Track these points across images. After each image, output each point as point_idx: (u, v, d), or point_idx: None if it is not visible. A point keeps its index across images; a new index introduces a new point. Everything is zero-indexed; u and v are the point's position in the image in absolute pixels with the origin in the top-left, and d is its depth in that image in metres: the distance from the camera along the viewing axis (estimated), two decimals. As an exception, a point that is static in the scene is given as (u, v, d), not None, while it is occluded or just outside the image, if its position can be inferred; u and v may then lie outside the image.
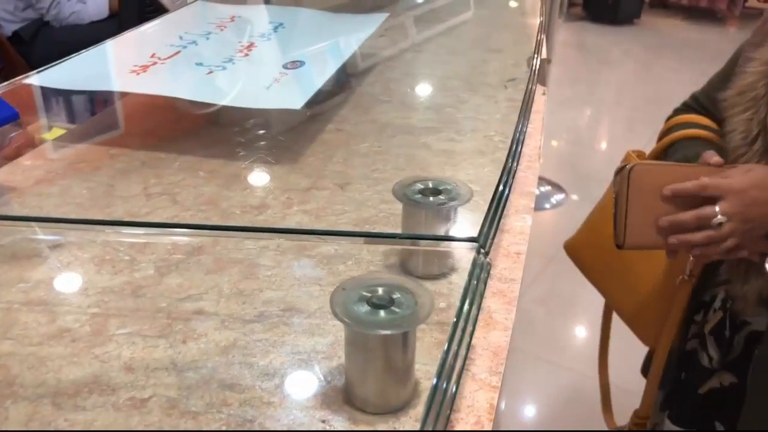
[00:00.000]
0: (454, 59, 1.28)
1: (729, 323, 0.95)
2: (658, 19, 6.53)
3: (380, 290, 0.52)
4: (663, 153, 1.06)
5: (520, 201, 0.84)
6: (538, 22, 1.32)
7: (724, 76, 1.03)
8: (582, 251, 1.15)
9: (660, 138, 1.09)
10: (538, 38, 1.32)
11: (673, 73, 5.18)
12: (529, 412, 1.95)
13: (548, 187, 3.35)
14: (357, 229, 0.77)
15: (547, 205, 3.24)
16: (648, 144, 1.13)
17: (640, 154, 1.09)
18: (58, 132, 0.97)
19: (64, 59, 0.95)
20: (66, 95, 0.95)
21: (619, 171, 0.87)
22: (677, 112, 1.12)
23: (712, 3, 6.26)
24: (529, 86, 1.01)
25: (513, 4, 1.88)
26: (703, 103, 1.09)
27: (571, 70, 5.08)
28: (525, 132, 0.85)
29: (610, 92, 5.08)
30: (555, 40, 3.60)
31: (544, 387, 2.03)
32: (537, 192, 3.28)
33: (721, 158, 0.89)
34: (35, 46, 3.12)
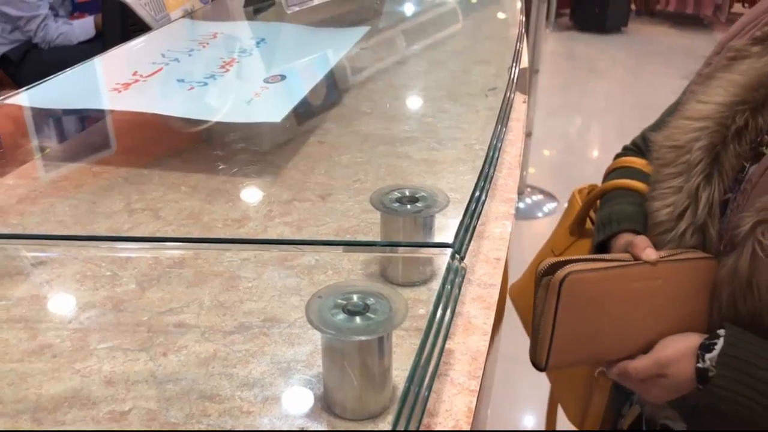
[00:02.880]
0: (436, 70, 1.30)
1: (645, 420, 0.93)
2: (645, 27, 6.59)
3: (355, 297, 0.52)
4: (600, 198, 1.04)
5: (500, 207, 0.85)
6: (517, 31, 1.33)
7: (661, 120, 1.02)
8: (522, 298, 1.11)
9: (605, 176, 1.08)
10: (517, 47, 1.33)
11: (661, 79, 5.22)
12: (526, 420, 1.95)
13: (540, 196, 3.36)
14: (337, 239, 0.77)
15: (540, 214, 3.25)
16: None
17: (591, 188, 1.08)
18: (41, 150, 0.97)
19: (47, 78, 0.95)
20: (49, 114, 0.95)
21: (542, 275, 0.76)
22: (624, 151, 1.11)
23: (698, 9, 6.32)
24: (507, 94, 1.02)
25: (500, 16, 1.90)
26: (641, 147, 1.08)
27: (560, 79, 5.12)
28: (503, 139, 0.86)
29: (600, 100, 5.11)
30: (543, 49, 3.63)
31: (537, 395, 2.03)
32: (529, 201, 3.30)
33: (654, 251, 0.83)
34: (24, 68, 3.13)
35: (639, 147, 1.10)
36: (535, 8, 3.21)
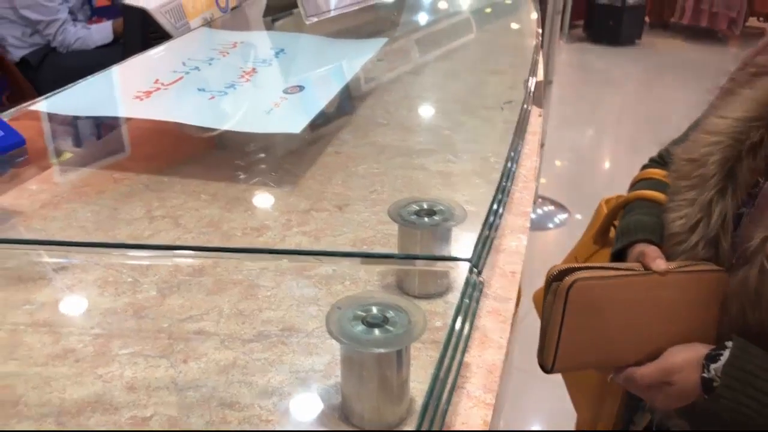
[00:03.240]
0: (452, 82, 1.30)
1: (655, 427, 0.93)
2: (659, 40, 6.59)
3: (374, 309, 0.53)
4: (624, 207, 1.05)
5: (515, 221, 0.85)
6: (534, 43, 1.34)
7: (684, 135, 1.03)
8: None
9: (630, 187, 1.10)
10: (534, 60, 1.34)
11: (674, 93, 5.21)
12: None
13: (551, 207, 3.36)
14: (355, 250, 0.78)
15: (551, 225, 3.25)
16: None
17: (618, 198, 1.09)
18: (63, 156, 0.99)
19: (69, 85, 0.97)
20: (71, 120, 0.97)
21: (552, 281, 0.78)
22: (650, 162, 1.12)
23: (713, 23, 6.31)
24: (524, 107, 1.03)
25: (515, 26, 1.90)
26: (665, 159, 1.10)
27: (572, 90, 5.12)
28: (519, 152, 0.87)
29: (612, 112, 5.10)
30: (556, 60, 3.64)
31: (548, 406, 2.03)
32: (540, 212, 3.30)
33: (665, 262, 0.85)
34: (42, 72, 3.17)
35: (663, 159, 1.11)
36: (549, 19, 3.22)
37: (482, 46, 1.62)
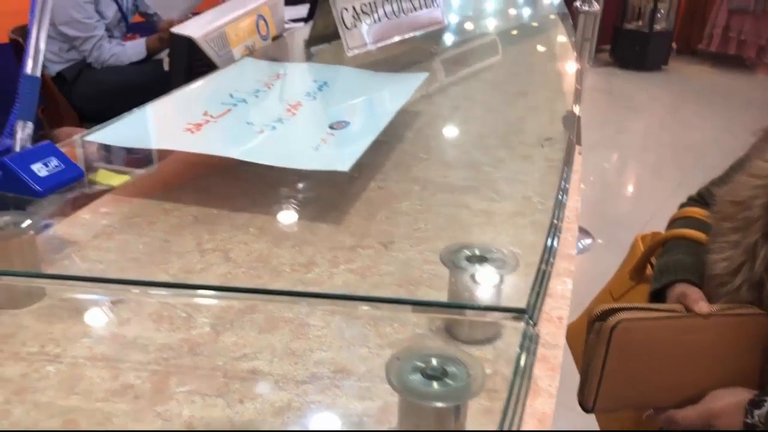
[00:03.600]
0: (491, 117, 1.32)
1: None
2: (686, 66, 6.56)
3: (434, 361, 0.54)
4: (662, 245, 1.05)
5: (560, 264, 0.86)
6: (572, 74, 1.35)
7: (727, 175, 1.03)
8: (577, 340, 1.13)
9: (669, 224, 1.10)
10: (576, 92, 1.35)
11: (700, 120, 5.19)
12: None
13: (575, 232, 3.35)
14: (402, 290, 0.79)
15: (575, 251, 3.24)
16: (676, 190, 1.15)
17: (654, 235, 1.10)
18: (115, 186, 1.01)
19: (122, 116, 0.99)
20: (123, 150, 0.99)
21: (594, 321, 0.79)
22: (689, 201, 1.12)
23: (741, 50, 6.28)
24: (569, 147, 1.04)
25: (550, 60, 1.92)
26: (705, 198, 1.10)
27: (597, 114, 5.11)
28: (566, 197, 0.88)
29: (638, 137, 5.09)
30: (583, 85, 3.65)
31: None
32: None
33: (707, 305, 0.85)
34: (77, 87, 3.23)
35: (703, 198, 1.11)
36: (578, 46, 3.23)
37: (521, 79, 1.64)
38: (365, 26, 1.36)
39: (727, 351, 0.85)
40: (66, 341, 0.68)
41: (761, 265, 0.88)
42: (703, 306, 0.84)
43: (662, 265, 1.03)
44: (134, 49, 3.26)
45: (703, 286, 0.95)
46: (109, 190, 0.98)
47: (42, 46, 0.76)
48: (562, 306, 0.79)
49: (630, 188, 4.31)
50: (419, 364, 0.54)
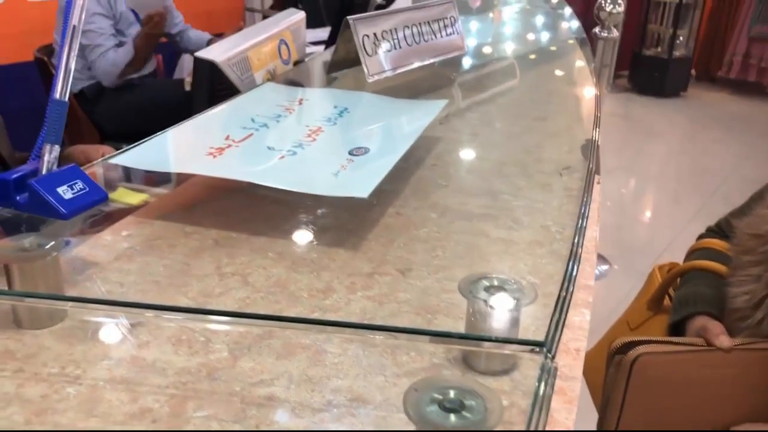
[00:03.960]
0: (510, 144, 1.32)
1: None
2: (705, 92, 6.55)
3: (452, 393, 0.54)
4: (681, 276, 1.05)
5: (578, 295, 0.86)
6: (594, 115, 1.35)
7: (747, 207, 1.03)
8: (591, 369, 1.12)
9: (687, 255, 1.10)
10: (596, 118, 1.36)
11: (720, 147, 5.16)
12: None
13: (592, 259, 3.33)
14: (419, 318, 0.79)
15: (591, 278, 3.22)
16: (694, 218, 1.15)
17: (672, 266, 1.09)
18: (137, 208, 1.02)
19: (145, 140, 1.01)
20: (145, 173, 1.01)
21: (614, 354, 0.80)
22: (707, 232, 1.12)
23: (761, 77, 6.25)
24: (588, 176, 1.04)
25: (569, 86, 1.93)
26: (724, 229, 1.10)
27: (615, 139, 5.10)
28: (585, 227, 0.88)
29: (656, 163, 5.07)
30: (601, 110, 3.65)
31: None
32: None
33: (728, 339, 0.85)
34: (99, 105, 3.28)
35: (722, 230, 1.11)
36: (596, 72, 3.24)
37: (539, 104, 1.64)
38: (386, 52, 1.38)
39: (750, 386, 0.85)
40: (86, 363, 0.69)
41: None
42: (724, 340, 0.83)
43: (681, 297, 1.02)
44: (124, 50, 3.25)
45: (723, 319, 0.94)
46: (131, 211, 0.99)
47: (71, 71, 0.78)
48: (579, 337, 0.78)
49: (648, 214, 4.29)
50: (437, 395, 0.54)
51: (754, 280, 0.91)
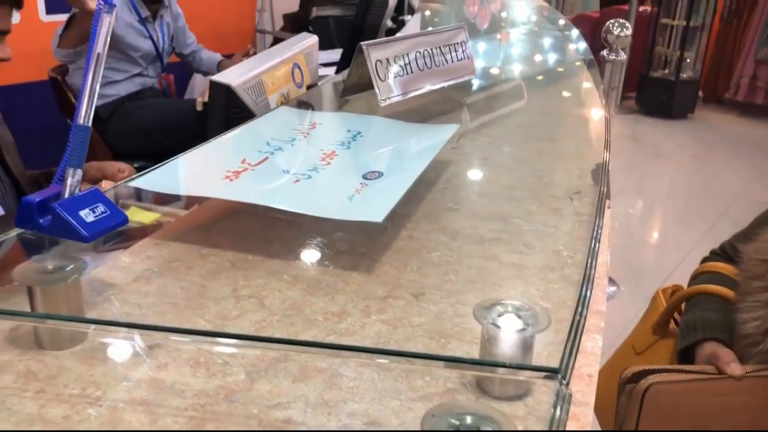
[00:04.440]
0: (520, 168, 1.34)
1: None
2: (713, 114, 6.56)
3: (468, 419, 0.55)
4: (686, 300, 1.05)
5: (590, 320, 0.86)
6: (604, 139, 1.37)
7: (751, 230, 1.04)
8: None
9: (691, 279, 1.10)
10: (606, 142, 1.37)
11: (727, 168, 5.16)
12: None
13: (600, 281, 3.33)
14: (433, 342, 0.80)
15: (599, 299, 3.22)
16: (702, 240, 1.16)
17: (675, 288, 1.10)
18: (147, 218, 1.04)
19: (162, 163, 1.03)
20: (163, 196, 1.02)
21: (626, 383, 0.80)
22: (711, 255, 1.13)
23: (768, 100, 6.27)
24: (600, 201, 1.05)
25: (578, 109, 1.95)
26: (729, 253, 1.10)
27: (622, 161, 5.12)
28: (597, 251, 0.89)
29: (663, 185, 5.07)
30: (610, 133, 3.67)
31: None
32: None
33: (740, 366, 0.85)
34: (111, 124, 3.32)
35: (727, 253, 1.11)
36: (604, 94, 3.26)
37: (549, 127, 1.66)
38: (398, 77, 1.40)
39: (763, 412, 0.85)
40: (106, 384, 0.70)
41: None
42: (735, 368, 0.84)
43: (689, 322, 1.03)
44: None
45: (733, 345, 0.95)
46: (148, 233, 1.01)
47: (95, 97, 0.80)
48: (591, 363, 0.79)
49: (655, 236, 4.28)
50: (453, 421, 0.55)
51: (764, 306, 0.92)
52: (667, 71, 6.35)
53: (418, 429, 0.56)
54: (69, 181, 0.80)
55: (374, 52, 1.36)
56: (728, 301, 1.02)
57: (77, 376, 0.71)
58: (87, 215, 0.78)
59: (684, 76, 6.22)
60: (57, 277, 0.74)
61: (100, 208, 0.80)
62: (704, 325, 1.00)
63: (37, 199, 0.78)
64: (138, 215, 1.05)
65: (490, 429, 0.54)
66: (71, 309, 0.76)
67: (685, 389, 0.81)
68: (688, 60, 6.25)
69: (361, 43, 1.35)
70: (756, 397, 0.85)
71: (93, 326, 0.76)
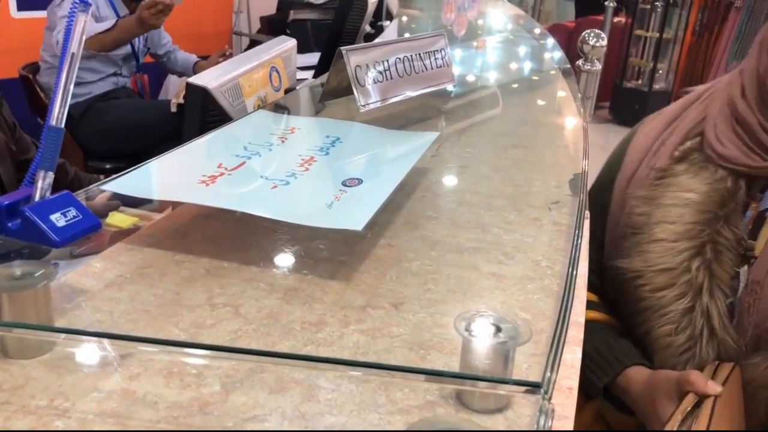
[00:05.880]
0: (499, 176, 1.33)
1: None
2: (684, 125, 6.65)
3: (450, 435, 0.54)
4: None
5: (570, 332, 0.86)
6: (582, 149, 1.37)
7: (614, 245, 1.05)
8: None
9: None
10: (584, 151, 1.38)
11: (697, 179, 5.23)
12: None
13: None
14: (412, 353, 0.79)
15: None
16: None
17: None
18: (125, 222, 1.01)
19: (136, 166, 1.01)
20: (135, 200, 1.00)
21: None
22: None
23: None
24: (579, 211, 1.05)
25: (557, 118, 1.95)
26: (595, 276, 1.11)
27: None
28: (578, 263, 0.88)
29: (635, 194, 5.12)
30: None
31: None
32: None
33: (714, 383, 0.85)
34: (83, 124, 3.26)
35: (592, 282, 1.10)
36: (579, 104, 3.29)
37: (528, 137, 1.66)
38: (378, 83, 1.39)
39: (738, 414, 0.87)
40: (75, 395, 0.68)
41: (719, 321, 0.91)
42: (713, 386, 0.84)
43: (596, 356, 1.03)
44: (102, 23, 3.14)
45: (658, 361, 0.96)
46: (120, 238, 0.99)
47: (69, 98, 0.78)
48: (571, 376, 0.79)
49: (627, 244, 4.32)
50: (435, 437, 0.54)
51: (686, 312, 0.93)
52: (640, 82, 6.44)
53: (399, 444, 0.55)
54: (40, 183, 0.78)
55: (354, 56, 1.34)
56: (612, 325, 1.04)
57: (45, 387, 0.68)
58: (58, 219, 0.76)
59: (657, 87, 6.31)
60: (25, 284, 0.72)
61: (72, 212, 0.78)
62: (617, 353, 1.01)
63: (6, 202, 0.76)
64: (115, 219, 1.03)
65: (472, 445, 0.53)
66: (40, 316, 0.73)
67: None
68: (660, 71, 6.34)
69: (341, 47, 1.34)
70: (731, 401, 0.86)
71: (62, 335, 0.73)
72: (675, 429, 0.81)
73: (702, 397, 0.83)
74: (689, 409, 0.83)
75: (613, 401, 1.02)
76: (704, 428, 0.79)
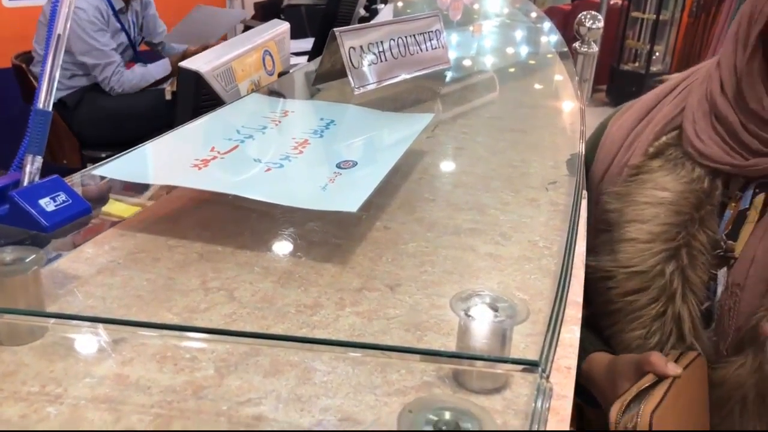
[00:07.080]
0: (496, 159, 1.32)
1: None
2: (681, 108, 6.62)
3: (447, 415, 0.53)
4: None
5: (567, 311, 0.85)
6: (579, 129, 1.36)
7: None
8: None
9: None
10: (581, 133, 1.36)
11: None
12: None
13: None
14: (409, 334, 0.78)
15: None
16: None
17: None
18: (120, 220, 1.00)
19: (128, 151, 0.99)
20: (128, 185, 0.99)
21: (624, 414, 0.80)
22: None
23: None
24: (577, 191, 1.04)
25: (553, 100, 1.94)
26: None
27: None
28: (575, 243, 0.87)
29: (633, 177, 5.11)
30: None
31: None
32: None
33: (674, 364, 0.85)
34: (78, 113, 3.25)
35: None
36: (578, 87, 3.27)
37: (524, 118, 1.65)
38: (372, 65, 1.37)
39: (700, 387, 0.87)
40: (67, 381, 0.67)
41: (688, 325, 0.90)
42: (673, 367, 0.84)
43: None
44: (159, 66, 3.29)
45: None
46: (113, 223, 0.97)
47: (56, 81, 0.76)
48: (569, 355, 0.78)
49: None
50: (432, 417, 0.53)
51: (658, 316, 0.93)
52: (637, 64, 6.40)
53: (395, 425, 0.54)
54: (28, 168, 0.76)
55: (348, 38, 1.33)
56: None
57: (36, 373, 0.67)
58: (47, 204, 0.75)
59: (653, 69, 6.28)
60: (15, 269, 0.71)
61: (62, 196, 0.77)
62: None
63: (-7, 188, 0.74)
64: (118, 208, 1.01)
65: (469, 425, 0.52)
66: (31, 302, 0.72)
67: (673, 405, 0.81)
68: (657, 53, 6.31)
69: (335, 29, 1.32)
70: (697, 382, 0.86)
71: (53, 320, 0.73)
72: (627, 402, 0.80)
73: (660, 378, 0.82)
74: (645, 387, 0.83)
75: (584, 397, 1.01)
76: (654, 406, 0.78)
